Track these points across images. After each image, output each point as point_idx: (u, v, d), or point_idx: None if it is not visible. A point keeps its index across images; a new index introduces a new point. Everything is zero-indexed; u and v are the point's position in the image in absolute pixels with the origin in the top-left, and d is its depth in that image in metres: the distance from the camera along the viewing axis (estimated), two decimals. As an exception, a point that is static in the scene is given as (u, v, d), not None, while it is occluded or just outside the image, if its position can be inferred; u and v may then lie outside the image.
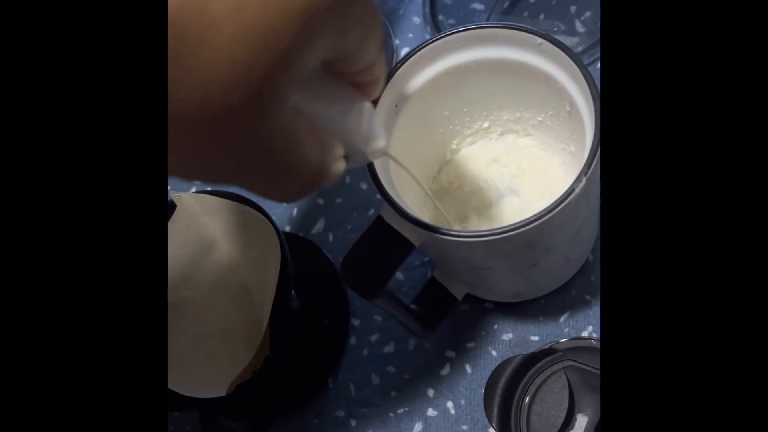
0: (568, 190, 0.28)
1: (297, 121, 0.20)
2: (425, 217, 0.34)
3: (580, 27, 0.46)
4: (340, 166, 0.24)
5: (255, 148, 0.19)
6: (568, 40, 0.46)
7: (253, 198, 0.45)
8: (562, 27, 0.46)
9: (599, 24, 0.46)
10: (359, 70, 0.22)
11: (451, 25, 0.47)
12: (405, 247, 0.30)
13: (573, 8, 0.47)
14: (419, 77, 0.33)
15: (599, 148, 0.28)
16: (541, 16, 0.47)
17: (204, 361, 0.37)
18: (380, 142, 0.26)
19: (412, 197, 0.36)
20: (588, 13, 0.46)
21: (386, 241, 0.30)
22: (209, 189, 0.41)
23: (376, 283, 0.30)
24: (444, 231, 0.29)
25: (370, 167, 0.30)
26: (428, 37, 0.33)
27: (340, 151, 0.24)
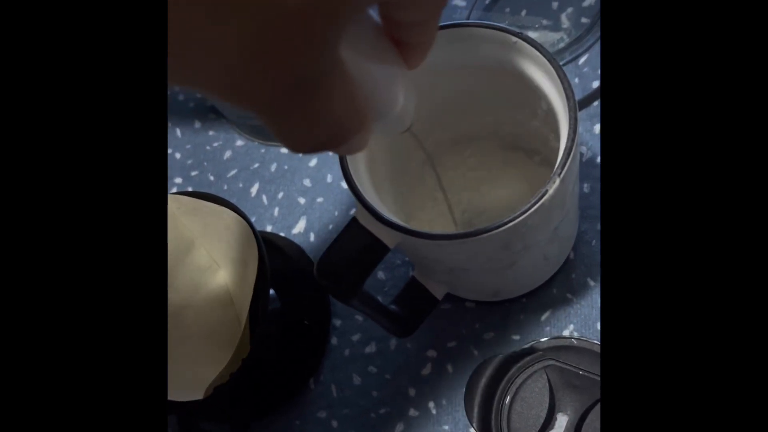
0: (541, 191, 0.27)
1: (340, 72, 0.20)
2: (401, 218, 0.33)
3: (564, 23, 0.46)
4: (364, 134, 0.22)
5: (301, 78, 0.18)
6: (551, 36, 0.46)
7: (232, 199, 0.45)
8: (545, 23, 0.46)
9: (582, 20, 0.45)
10: (412, 23, 0.22)
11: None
12: (379, 249, 0.30)
13: (555, 4, 0.46)
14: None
15: (573, 148, 0.28)
16: (523, 12, 0.47)
17: (182, 364, 0.36)
18: (408, 115, 0.25)
19: (391, 200, 0.35)
20: (570, 9, 0.46)
21: (361, 243, 0.30)
22: (187, 190, 0.40)
23: (351, 285, 0.30)
24: (417, 233, 0.29)
25: (344, 168, 0.30)
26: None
27: (367, 119, 0.22)
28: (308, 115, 0.20)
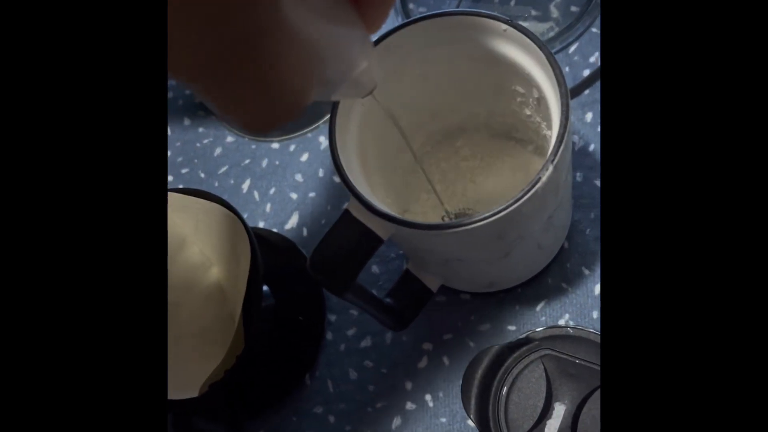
0: (534, 179, 0.27)
1: (284, 31, 0.18)
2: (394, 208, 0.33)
3: (553, 12, 0.46)
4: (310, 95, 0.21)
5: (237, 38, 0.17)
6: (541, 26, 0.46)
7: (224, 196, 0.45)
8: (534, 13, 0.46)
9: (571, 8, 0.45)
10: None
11: (422, 13, 0.47)
12: (373, 241, 0.29)
13: (544, -7, 0.46)
14: (385, 68, 0.32)
15: (565, 135, 0.28)
16: (512, 2, 0.46)
17: (176, 362, 0.36)
18: (371, 80, 0.24)
19: (383, 193, 0.35)
20: (559, -2, 0.46)
21: (354, 236, 0.29)
22: (178, 187, 0.40)
23: (345, 278, 0.30)
24: (410, 223, 0.28)
25: (335, 160, 0.30)
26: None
27: (315, 81, 0.21)
28: (251, 80, 0.18)
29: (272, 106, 0.19)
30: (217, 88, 0.18)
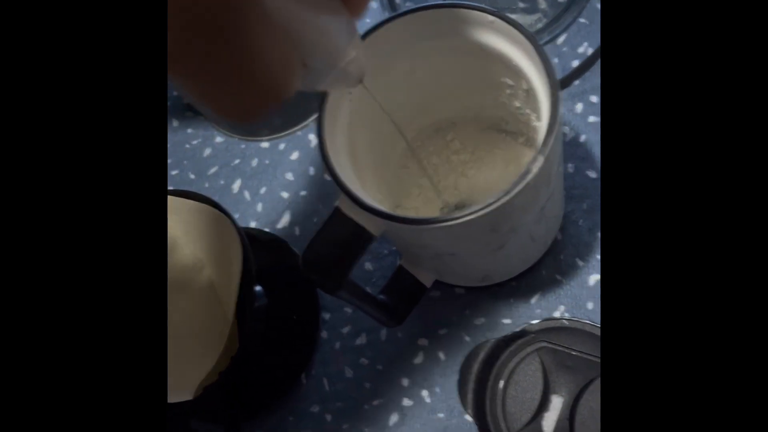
0: (525, 170, 0.27)
1: (266, 20, 0.17)
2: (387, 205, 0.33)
3: (541, 3, 0.46)
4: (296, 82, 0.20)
5: (210, 20, 0.16)
6: (529, 18, 0.45)
7: (214, 197, 0.44)
8: (521, 5, 0.46)
9: (559, -1, 0.45)
10: None
11: (408, 7, 0.47)
12: (364, 237, 0.29)
13: (531, -15, 0.46)
14: (373, 63, 0.32)
15: (556, 126, 0.27)
16: (500, -6, 0.46)
17: (171, 365, 0.36)
18: (359, 69, 0.24)
19: (375, 189, 0.35)
20: (546, -11, 0.45)
21: (345, 233, 0.29)
22: (168, 189, 0.40)
23: (338, 276, 0.30)
24: (401, 218, 0.28)
25: (325, 157, 0.30)
26: (384, 21, 0.32)
27: (299, 68, 0.20)
28: (228, 66, 0.17)
29: (251, 94, 0.18)
30: (193, 73, 0.17)
